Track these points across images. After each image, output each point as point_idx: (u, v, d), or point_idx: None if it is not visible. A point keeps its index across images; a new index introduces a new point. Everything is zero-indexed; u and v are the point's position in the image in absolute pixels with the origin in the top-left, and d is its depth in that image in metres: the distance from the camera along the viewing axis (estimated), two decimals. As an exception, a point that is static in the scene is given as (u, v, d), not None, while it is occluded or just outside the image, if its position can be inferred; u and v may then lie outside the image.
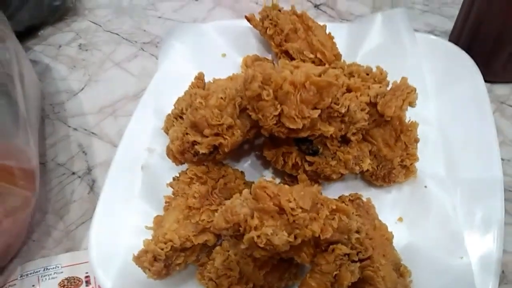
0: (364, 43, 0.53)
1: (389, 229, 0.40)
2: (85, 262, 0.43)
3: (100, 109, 0.58)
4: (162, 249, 0.35)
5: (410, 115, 0.44)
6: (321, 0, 0.66)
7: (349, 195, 0.41)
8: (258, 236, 0.30)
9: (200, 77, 0.42)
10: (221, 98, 0.39)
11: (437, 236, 0.39)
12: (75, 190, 0.50)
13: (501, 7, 0.46)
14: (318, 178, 0.42)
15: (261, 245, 0.30)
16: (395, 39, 0.52)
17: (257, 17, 0.53)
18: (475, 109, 0.46)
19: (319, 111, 0.36)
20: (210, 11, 0.68)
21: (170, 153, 0.40)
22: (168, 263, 0.36)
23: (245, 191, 0.32)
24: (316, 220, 0.32)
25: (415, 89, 0.40)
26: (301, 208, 0.31)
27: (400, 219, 0.42)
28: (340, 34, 0.53)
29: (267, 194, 0.31)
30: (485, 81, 0.51)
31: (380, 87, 0.42)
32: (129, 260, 0.37)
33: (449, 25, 0.57)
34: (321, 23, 0.52)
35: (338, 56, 0.51)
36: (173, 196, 0.40)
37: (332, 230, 0.32)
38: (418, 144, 0.44)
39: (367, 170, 0.42)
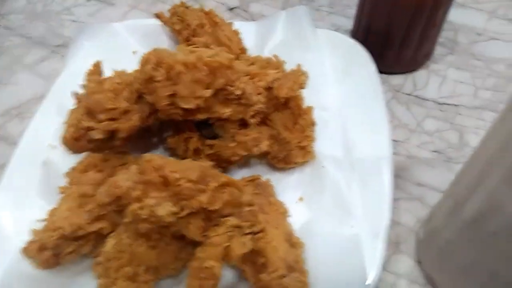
0: (269, 39, 0.55)
1: (291, 209, 0.41)
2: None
3: (6, 111, 0.56)
4: (51, 237, 0.34)
5: (312, 102, 0.47)
6: (235, 3, 0.68)
7: (250, 176, 0.42)
8: (141, 208, 0.30)
9: (96, 65, 0.42)
10: (117, 83, 0.39)
11: (331, 210, 0.41)
12: (-27, 192, 0.47)
13: (385, 11, 0.50)
14: (220, 162, 0.43)
15: (145, 217, 0.30)
16: (297, 34, 0.54)
17: (167, 15, 0.55)
18: (369, 95, 0.49)
19: (211, 90, 0.37)
20: (125, 14, 0.68)
21: (64, 141, 0.40)
22: (58, 252, 0.35)
23: (132, 167, 0.32)
24: (205, 192, 0.32)
25: (306, 73, 0.42)
26: (187, 178, 0.31)
27: (301, 199, 0.43)
28: (248, 32, 0.56)
29: (152, 166, 0.31)
30: (382, 72, 0.55)
31: (276, 72, 0.44)
32: (21, 257, 0.36)
33: (351, 25, 0.61)
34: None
35: (243, 50, 0.53)
36: (68, 186, 0.39)
37: (222, 202, 0.33)
38: (319, 129, 0.47)
39: (267, 151, 0.43)
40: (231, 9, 0.67)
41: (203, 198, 0.32)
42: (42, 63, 0.62)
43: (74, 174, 0.39)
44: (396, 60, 0.55)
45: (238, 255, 0.33)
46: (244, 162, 0.47)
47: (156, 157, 0.32)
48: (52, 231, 0.35)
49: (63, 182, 0.41)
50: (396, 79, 0.56)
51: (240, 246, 0.34)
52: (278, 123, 0.44)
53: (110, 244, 0.35)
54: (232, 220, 0.34)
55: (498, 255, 0.30)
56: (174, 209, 0.30)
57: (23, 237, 0.38)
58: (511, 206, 0.27)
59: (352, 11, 0.65)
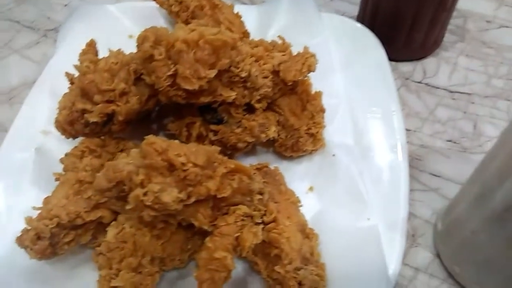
0: (272, 23, 0.53)
1: (301, 199, 0.39)
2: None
3: (-5, 97, 0.53)
4: (47, 226, 0.32)
5: (318, 89, 0.45)
6: (235, -12, 0.65)
7: (257, 164, 0.40)
8: (145, 194, 0.27)
9: (90, 44, 0.39)
10: (113, 62, 0.36)
11: (345, 201, 0.39)
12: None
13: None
14: (226, 149, 0.40)
15: (149, 203, 0.27)
16: (301, 18, 0.52)
17: (165, -3, 0.52)
18: (378, 81, 0.47)
19: (215, 71, 0.34)
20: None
21: (58, 124, 0.36)
22: (55, 241, 0.32)
23: (133, 151, 0.29)
24: (212, 178, 0.30)
25: (314, 55, 0.40)
26: (193, 163, 0.28)
27: (311, 189, 0.41)
28: (249, 15, 0.53)
29: (155, 149, 0.28)
30: (390, 59, 0.53)
31: (282, 55, 0.41)
32: (14, 247, 0.33)
33: (357, 11, 0.59)
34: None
35: (246, 33, 0.50)
36: (63, 173, 0.36)
37: (231, 189, 0.31)
38: (328, 116, 0.44)
39: (274, 138, 0.41)
40: (231, -6, 0.65)
41: (211, 184, 0.29)
42: (33, 47, 0.58)
43: (69, 159, 0.36)
44: (405, 46, 0.52)
45: (249, 246, 0.30)
46: (250, 150, 0.44)
47: (159, 140, 0.29)
48: (48, 219, 0.32)
49: (58, 169, 0.38)
50: (405, 67, 0.54)
51: (252, 236, 0.31)
52: (285, 108, 0.42)
53: (111, 233, 0.32)
54: (243, 209, 0.31)
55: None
56: (181, 195, 0.28)
57: (17, 226, 0.35)
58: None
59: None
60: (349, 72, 0.49)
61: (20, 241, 0.32)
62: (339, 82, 0.48)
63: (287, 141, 0.42)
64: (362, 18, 0.55)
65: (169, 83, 0.34)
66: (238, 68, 0.37)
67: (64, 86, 0.43)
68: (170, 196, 0.27)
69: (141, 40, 0.34)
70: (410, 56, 0.54)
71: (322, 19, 0.52)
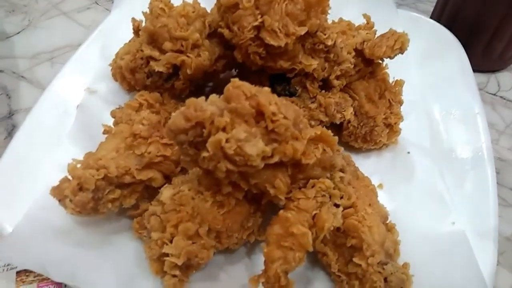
0: (343, 14, 0.49)
1: (369, 195, 0.34)
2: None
3: (36, 54, 0.49)
4: (93, 176, 0.27)
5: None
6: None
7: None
8: (227, 140, 0.23)
9: (165, -10, 0.35)
10: (189, 10, 0.32)
11: (423, 202, 0.34)
12: (-11, 133, 0.40)
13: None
14: (293, 127, 0.36)
15: (230, 152, 0.22)
16: (377, 11, 0.48)
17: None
18: (459, 81, 0.43)
19: (305, 28, 0.30)
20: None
21: (118, 71, 0.32)
22: (98, 196, 0.27)
23: (212, 95, 0.25)
24: (299, 140, 0.25)
25: (406, 34, 0.36)
26: (283, 115, 0.24)
27: (380, 186, 0.36)
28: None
29: (243, 92, 0.24)
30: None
31: (367, 33, 0.37)
32: (45, 202, 0.29)
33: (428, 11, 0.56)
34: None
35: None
36: (113, 127, 0.32)
37: (315, 158, 0.26)
38: (402, 112, 0.40)
39: (344, 126, 0.36)
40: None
41: (299, 145, 0.25)
42: (82, 12, 0.55)
43: (124, 111, 0.32)
44: (483, 55, 0.49)
45: (328, 228, 0.26)
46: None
47: (247, 84, 0.24)
48: (94, 169, 0.27)
49: (100, 129, 0.34)
50: (479, 78, 0.50)
51: (331, 216, 0.26)
52: (361, 93, 0.38)
53: (167, 193, 0.27)
54: (326, 182, 0.26)
55: None
56: (267, 149, 0.23)
57: (48, 181, 0.31)
58: None
59: (424, 5, 0.60)
60: (425, 71, 0.45)
61: (57, 191, 0.27)
62: (414, 79, 0.44)
63: (359, 130, 0.37)
64: (437, 19, 0.51)
65: (252, 36, 0.30)
66: (325, 34, 0.33)
67: (116, 48, 0.40)
68: (256, 148, 0.23)
69: (227, -14, 0.31)
70: (486, 67, 0.50)
71: (398, 14, 0.49)
